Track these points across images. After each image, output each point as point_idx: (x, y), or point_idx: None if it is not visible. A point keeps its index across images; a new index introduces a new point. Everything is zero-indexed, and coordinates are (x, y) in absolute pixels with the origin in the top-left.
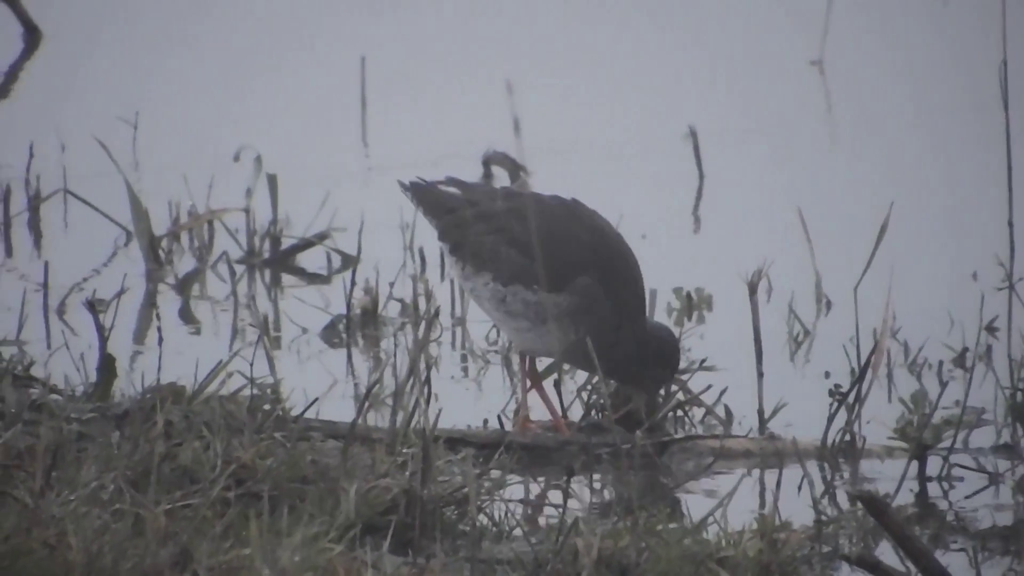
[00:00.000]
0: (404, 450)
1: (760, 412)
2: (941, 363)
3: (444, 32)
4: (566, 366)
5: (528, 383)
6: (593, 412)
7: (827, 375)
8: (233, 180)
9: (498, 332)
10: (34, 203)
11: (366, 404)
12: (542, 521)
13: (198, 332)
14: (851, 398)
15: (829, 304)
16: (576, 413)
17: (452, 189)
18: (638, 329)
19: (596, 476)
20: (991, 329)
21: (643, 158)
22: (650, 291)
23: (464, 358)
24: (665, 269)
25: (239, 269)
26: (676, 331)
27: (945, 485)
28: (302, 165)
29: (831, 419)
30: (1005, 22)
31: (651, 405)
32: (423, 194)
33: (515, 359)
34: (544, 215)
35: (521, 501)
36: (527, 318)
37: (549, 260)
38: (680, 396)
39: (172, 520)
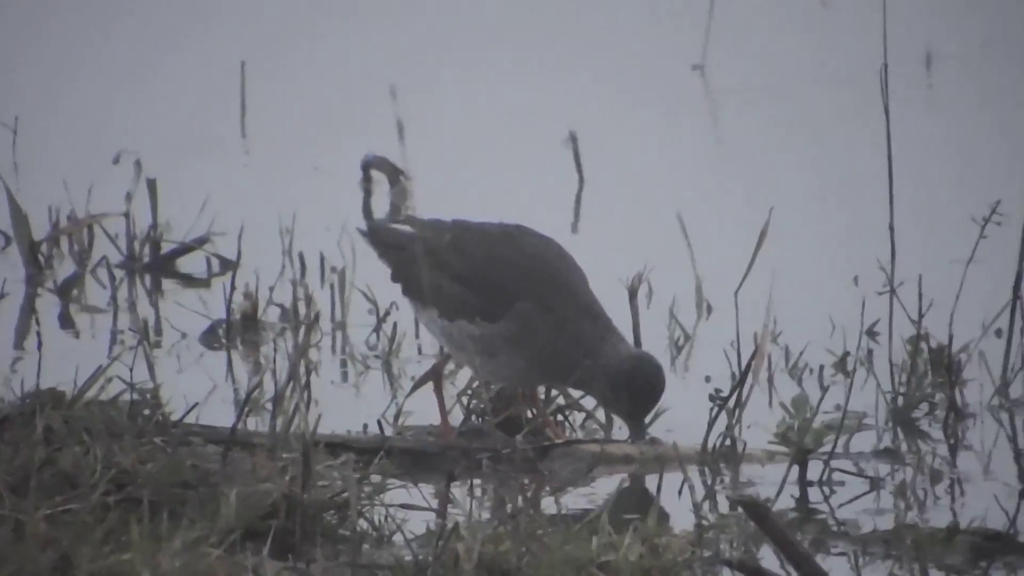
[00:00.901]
0: (284, 455)
1: None
2: (822, 367)
3: (325, 36)
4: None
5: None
6: (474, 417)
7: (708, 379)
8: (113, 185)
9: (378, 336)
10: None
11: (246, 409)
12: (423, 526)
13: (78, 337)
14: (732, 403)
15: (710, 308)
16: (457, 418)
17: (405, 227)
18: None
19: (477, 481)
20: (872, 333)
21: (523, 162)
22: None
23: (344, 363)
24: None
25: (119, 274)
26: None
27: (826, 490)
28: (182, 170)
29: (712, 424)
30: (885, 25)
31: (636, 433)
32: (377, 235)
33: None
34: (482, 245)
35: (402, 506)
36: (477, 352)
37: (485, 290)
38: (560, 401)
39: (52, 525)
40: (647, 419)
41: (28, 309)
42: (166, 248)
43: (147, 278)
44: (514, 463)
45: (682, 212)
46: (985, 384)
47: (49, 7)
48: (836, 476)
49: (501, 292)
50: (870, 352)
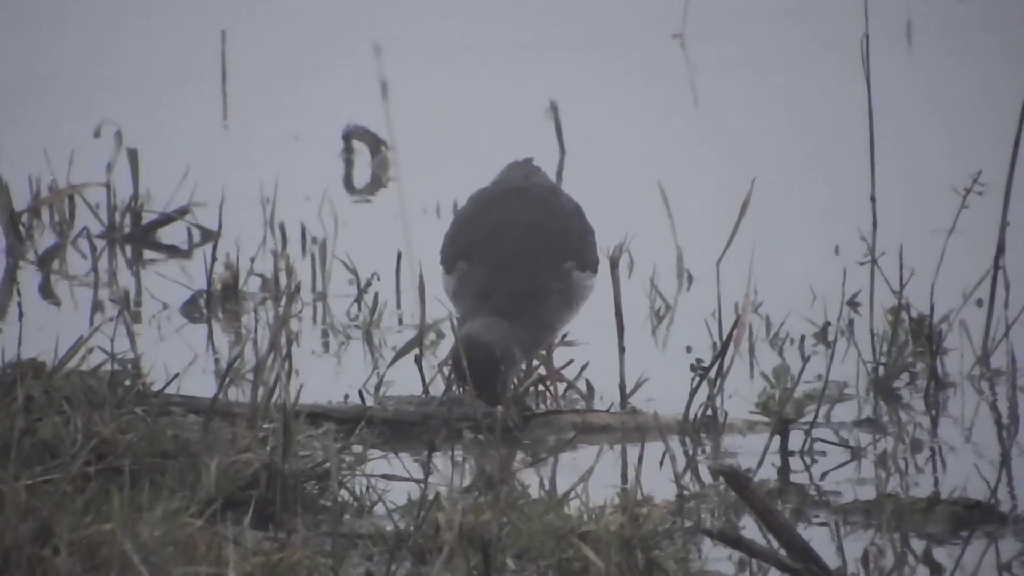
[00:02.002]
0: (265, 425)
1: (622, 387)
2: (803, 337)
3: (305, 3)
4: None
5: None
6: (455, 386)
7: (689, 350)
8: (94, 155)
9: (359, 307)
10: None
11: (227, 379)
12: (404, 496)
13: (59, 307)
14: (713, 373)
15: (691, 279)
16: (439, 388)
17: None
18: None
19: (458, 451)
20: (853, 304)
21: (505, 133)
22: None
23: (325, 333)
24: None
25: (100, 244)
26: None
27: (807, 459)
28: (162, 140)
29: (693, 394)
30: None
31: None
32: None
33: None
34: (478, 200)
35: (383, 476)
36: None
37: (448, 243)
38: (541, 371)
39: (33, 495)
40: (499, 390)
41: (8, 280)
42: (147, 219)
43: (128, 249)
44: (495, 433)
45: (663, 182)
46: (966, 354)
47: None
48: (817, 446)
49: (454, 247)
50: (851, 322)
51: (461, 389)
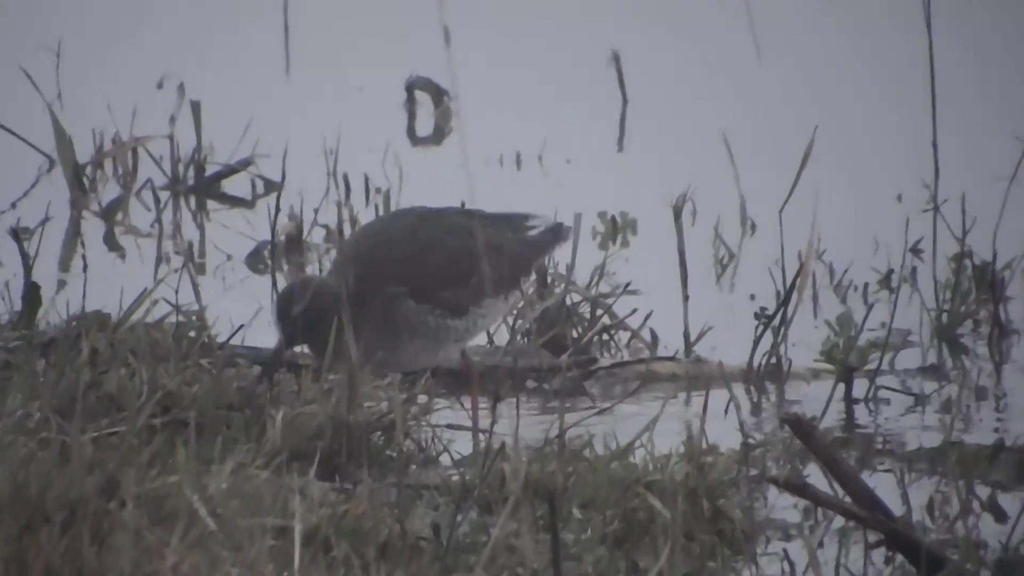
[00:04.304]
0: (330, 377)
1: (686, 335)
2: (866, 285)
3: None
4: None
5: None
6: (519, 337)
7: (752, 298)
8: (157, 108)
9: None
10: None
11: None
12: (469, 446)
13: (123, 259)
14: (777, 321)
15: (754, 227)
16: (503, 338)
17: None
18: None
19: (523, 401)
20: (916, 251)
21: (567, 83)
22: (574, 215)
23: None
24: (590, 194)
25: (163, 196)
26: (601, 255)
27: (871, 407)
28: (226, 92)
29: (757, 342)
30: None
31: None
32: None
33: None
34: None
35: (448, 426)
36: None
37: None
38: (606, 320)
39: (99, 448)
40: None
41: (73, 232)
42: (210, 170)
43: (191, 200)
44: (560, 383)
45: (726, 131)
46: None
47: None
48: (881, 393)
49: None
50: (914, 270)
51: (527, 339)
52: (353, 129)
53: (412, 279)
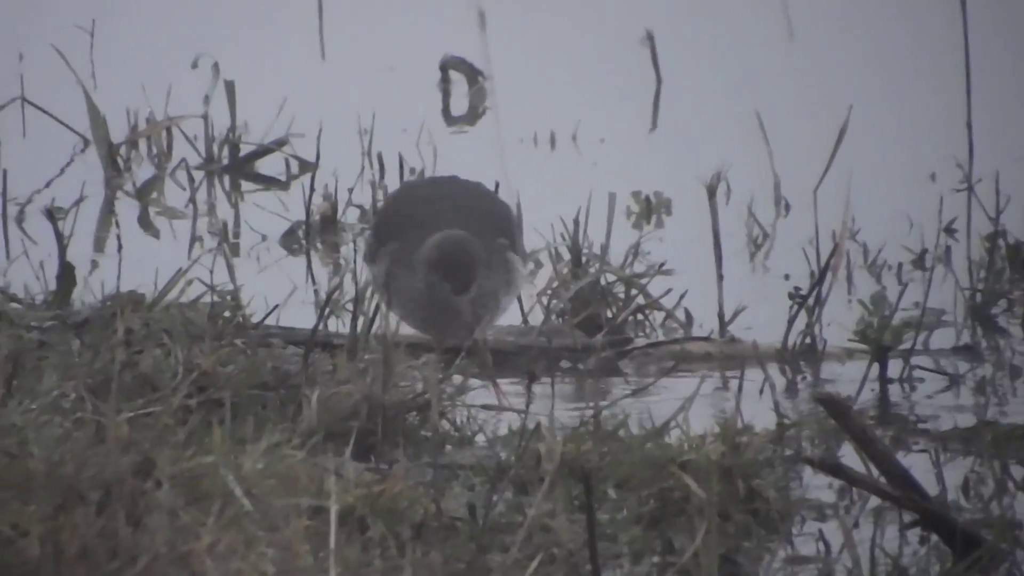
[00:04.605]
0: (365, 356)
1: (720, 315)
2: (900, 265)
3: None
4: None
5: None
6: (553, 316)
7: (787, 277)
8: (191, 87)
9: None
10: None
11: (326, 310)
12: (504, 426)
13: (157, 239)
14: (811, 300)
15: (788, 206)
16: (537, 318)
17: None
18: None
19: (557, 380)
20: (950, 231)
21: (601, 63)
22: (608, 195)
23: None
24: (624, 173)
25: (197, 176)
26: (635, 235)
27: (906, 387)
28: (260, 71)
29: (791, 321)
30: None
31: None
32: None
33: None
34: (401, 189)
35: (483, 406)
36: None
37: (372, 233)
38: (640, 300)
39: (133, 428)
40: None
41: (107, 212)
42: (245, 150)
43: (226, 180)
44: (594, 362)
45: (760, 110)
46: None
47: None
48: (916, 373)
49: (377, 234)
50: (948, 249)
51: (562, 319)
52: (387, 109)
53: (508, 232)
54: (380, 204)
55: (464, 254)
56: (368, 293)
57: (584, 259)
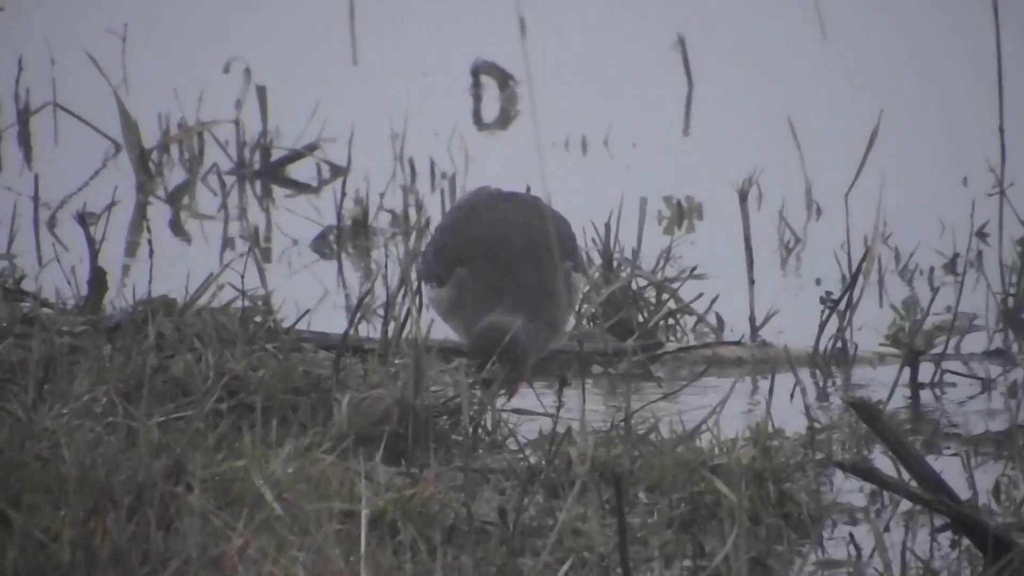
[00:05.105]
0: (396, 360)
1: (752, 319)
2: (932, 269)
3: None
4: None
5: None
6: (585, 321)
7: (818, 282)
8: (223, 92)
9: None
10: (24, 117)
11: (358, 315)
12: (535, 430)
13: (189, 244)
14: (842, 305)
15: (820, 211)
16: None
17: None
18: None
19: (589, 385)
20: (982, 235)
21: (632, 67)
22: (640, 200)
23: None
24: (655, 177)
25: (229, 181)
26: (667, 239)
27: (937, 391)
28: (291, 76)
29: (823, 326)
30: None
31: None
32: None
33: None
34: (460, 208)
35: (514, 410)
36: (438, 314)
37: (435, 252)
38: (671, 304)
39: (165, 432)
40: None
41: (139, 217)
42: (276, 155)
43: (257, 185)
44: (625, 366)
45: (791, 114)
46: None
47: None
48: (947, 377)
49: (442, 256)
50: (980, 253)
51: (593, 323)
52: (419, 113)
53: (572, 252)
54: (443, 219)
55: (512, 353)
56: (400, 297)
57: (616, 263)
